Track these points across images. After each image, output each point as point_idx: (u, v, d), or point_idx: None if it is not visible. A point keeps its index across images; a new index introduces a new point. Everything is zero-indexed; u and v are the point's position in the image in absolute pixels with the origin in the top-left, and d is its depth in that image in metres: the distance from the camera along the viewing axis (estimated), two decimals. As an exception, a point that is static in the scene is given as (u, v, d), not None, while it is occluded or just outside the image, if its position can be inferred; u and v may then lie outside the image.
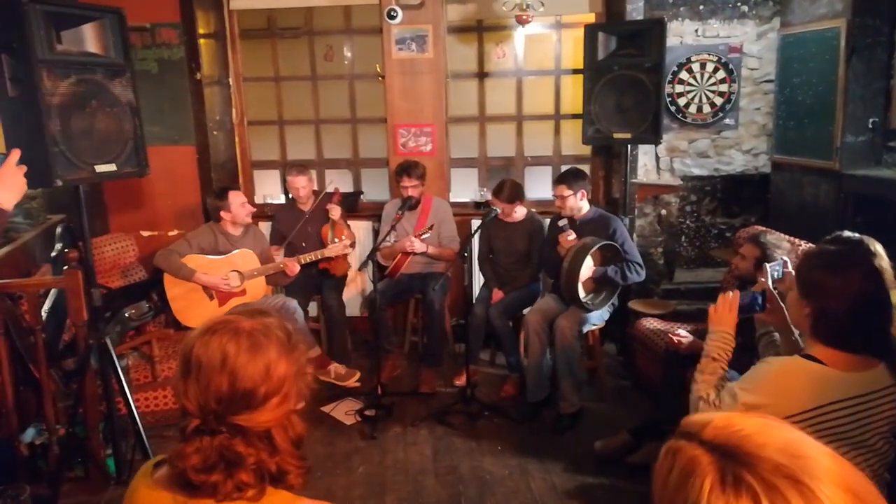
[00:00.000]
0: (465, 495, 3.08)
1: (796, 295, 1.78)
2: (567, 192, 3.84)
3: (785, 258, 2.75)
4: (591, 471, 3.22)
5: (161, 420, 3.65)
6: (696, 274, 4.92)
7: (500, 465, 3.31)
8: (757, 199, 4.73)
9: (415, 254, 4.26)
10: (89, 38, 2.89)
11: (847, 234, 2.54)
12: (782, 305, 2.06)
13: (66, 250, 3.89)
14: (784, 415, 1.61)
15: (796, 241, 3.57)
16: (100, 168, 2.84)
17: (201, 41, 4.66)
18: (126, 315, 3.78)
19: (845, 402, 1.63)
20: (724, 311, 2.01)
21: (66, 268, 3.08)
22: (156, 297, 3.95)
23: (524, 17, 4.29)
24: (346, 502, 3.05)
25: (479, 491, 3.11)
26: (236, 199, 4.03)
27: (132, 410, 3.02)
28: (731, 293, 2.05)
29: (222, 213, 4.01)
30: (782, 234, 3.31)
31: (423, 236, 4.17)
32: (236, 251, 3.98)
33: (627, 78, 4.01)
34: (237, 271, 3.95)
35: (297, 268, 4.01)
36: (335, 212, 4.27)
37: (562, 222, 3.89)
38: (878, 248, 2.43)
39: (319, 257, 4.08)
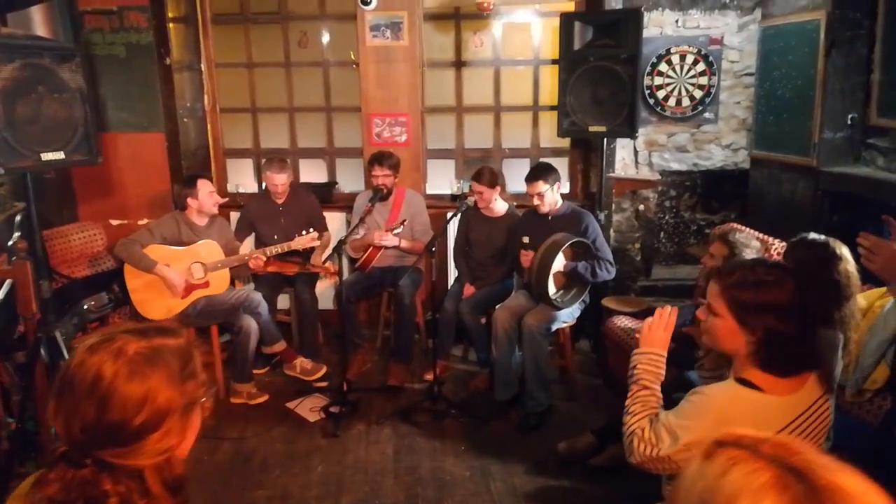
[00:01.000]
0: (423, 497, 3.01)
1: (733, 322, 1.61)
2: (544, 188, 3.74)
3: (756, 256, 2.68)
4: (553, 473, 3.15)
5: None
6: (675, 271, 4.85)
7: (461, 466, 3.24)
8: (737, 195, 4.65)
9: (385, 248, 4.18)
10: (37, 21, 2.79)
11: (812, 235, 2.46)
12: None
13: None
14: None
15: (769, 239, 3.49)
16: (46, 156, 2.76)
17: (171, 25, 4.55)
18: (85, 307, 3.69)
19: (789, 429, 1.55)
20: (658, 330, 1.81)
21: (14, 258, 2.98)
22: (117, 289, 3.86)
23: (486, 5, 4.18)
24: (302, 502, 2.98)
25: (437, 493, 3.04)
26: (205, 187, 3.95)
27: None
28: (669, 308, 1.87)
29: (189, 200, 3.92)
30: (752, 232, 3.23)
31: (395, 231, 4.08)
32: (200, 242, 3.90)
33: (603, 69, 3.92)
34: (200, 262, 3.86)
35: (262, 260, 3.92)
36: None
37: (525, 239, 3.79)
38: (843, 251, 2.35)
39: (286, 250, 3.99)
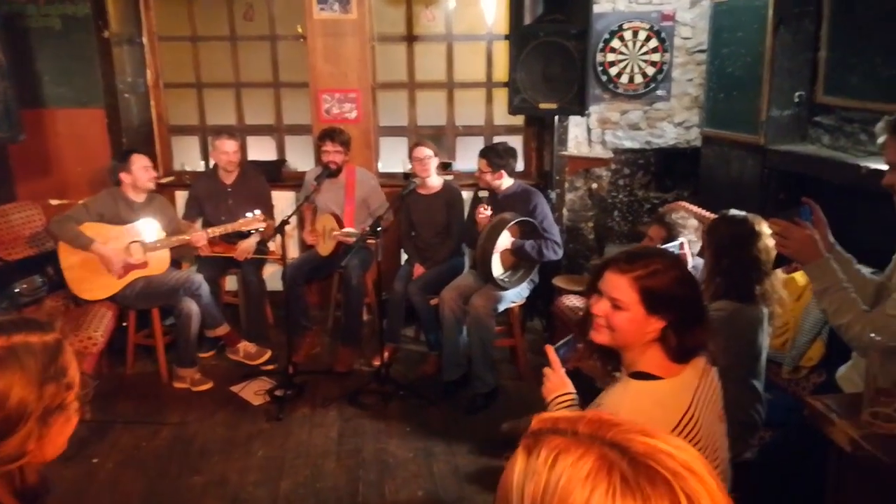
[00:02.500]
0: (364, 480, 2.98)
1: (642, 313, 1.52)
2: (485, 169, 3.72)
3: (682, 240, 2.66)
4: (496, 453, 3.13)
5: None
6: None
7: (405, 448, 3.21)
8: (690, 172, 4.62)
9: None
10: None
11: (732, 212, 2.44)
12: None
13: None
14: None
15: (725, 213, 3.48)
16: (-41, 133, 2.61)
17: (108, -4, 4.36)
18: (16, 290, 3.56)
19: (693, 406, 1.52)
20: (552, 378, 1.73)
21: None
22: (52, 271, 3.73)
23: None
24: (239, 488, 2.93)
25: (379, 475, 3.01)
26: (139, 161, 3.82)
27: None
28: (548, 365, 1.77)
29: (122, 176, 3.81)
30: (688, 212, 3.19)
31: (347, 236, 4.01)
32: (139, 220, 3.78)
33: (553, 45, 3.84)
34: (139, 242, 3.74)
35: (204, 240, 3.82)
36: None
37: (482, 193, 3.77)
38: (763, 227, 2.34)
39: (230, 231, 3.88)
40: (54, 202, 4.60)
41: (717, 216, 2.49)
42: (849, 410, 1.47)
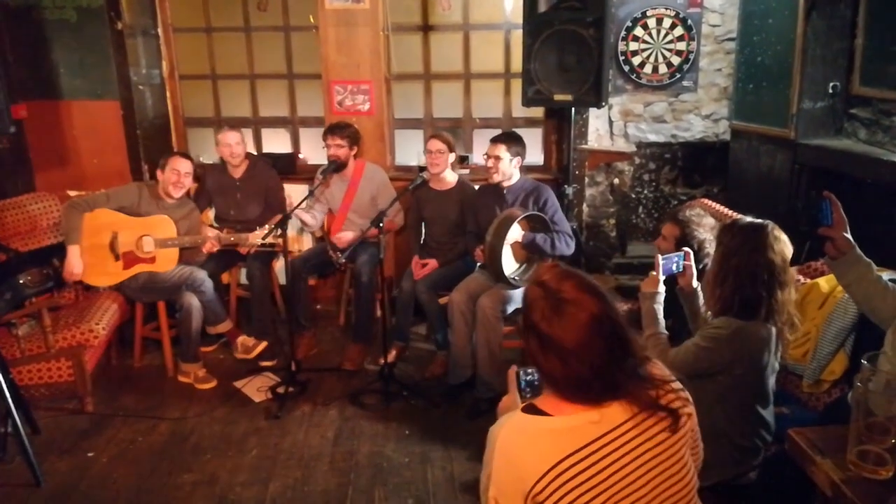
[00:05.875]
0: (355, 484, 2.87)
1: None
2: (504, 154, 3.54)
3: (686, 249, 2.47)
4: (495, 461, 3.00)
5: (57, 393, 3.46)
6: (652, 248, 4.61)
7: (401, 452, 3.09)
8: (720, 167, 4.38)
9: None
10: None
11: (748, 219, 2.24)
12: None
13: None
14: (525, 490, 1.25)
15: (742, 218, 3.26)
16: (-53, 124, 2.60)
17: (121, -13, 4.34)
18: (21, 281, 3.55)
19: (586, 450, 1.25)
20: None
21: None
22: (57, 263, 3.72)
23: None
24: (228, 489, 2.85)
25: (370, 480, 2.90)
26: (171, 164, 3.78)
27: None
28: None
29: (157, 172, 3.85)
30: (705, 210, 2.99)
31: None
32: (155, 216, 3.74)
33: (569, 34, 3.66)
34: (151, 236, 3.71)
35: (215, 247, 3.76)
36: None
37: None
38: (782, 235, 2.13)
39: (243, 241, 3.78)
40: (72, 193, 4.60)
41: (728, 223, 2.29)
42: (835, 447, 1.26)
